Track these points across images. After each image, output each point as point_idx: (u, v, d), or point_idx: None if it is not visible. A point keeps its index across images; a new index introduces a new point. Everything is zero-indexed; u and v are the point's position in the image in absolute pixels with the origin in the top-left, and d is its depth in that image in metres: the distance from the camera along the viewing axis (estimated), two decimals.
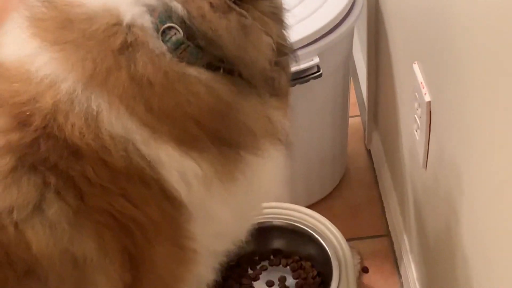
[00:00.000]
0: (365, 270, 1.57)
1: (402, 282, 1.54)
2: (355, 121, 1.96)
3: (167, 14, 0.91)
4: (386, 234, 1.66)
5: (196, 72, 0.92)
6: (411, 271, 1.46)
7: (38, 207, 0.87)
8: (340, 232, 1.45)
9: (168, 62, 0.90)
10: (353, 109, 1.98)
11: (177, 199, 0.93)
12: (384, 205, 1.70)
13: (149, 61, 0.89)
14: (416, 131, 1.22)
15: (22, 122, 0.87)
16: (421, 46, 1.19)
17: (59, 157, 0.87)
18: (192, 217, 0.95)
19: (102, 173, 0.88)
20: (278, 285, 1.43)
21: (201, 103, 0.92)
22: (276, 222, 1.47)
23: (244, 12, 0.93)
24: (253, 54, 0.95)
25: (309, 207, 1.56)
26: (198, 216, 0.96)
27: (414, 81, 1.19)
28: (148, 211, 0.91)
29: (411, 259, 1.47)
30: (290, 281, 1.44)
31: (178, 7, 0.91)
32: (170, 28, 0.90)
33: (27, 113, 0.87)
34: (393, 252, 1.62)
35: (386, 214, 1.68)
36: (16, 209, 0.86)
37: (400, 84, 1.40)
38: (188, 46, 0.91)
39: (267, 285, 1.44)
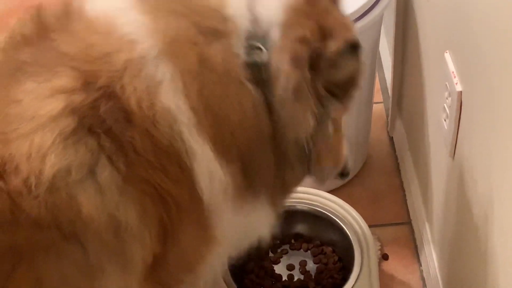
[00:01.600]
0: (385, 257, 1.58)
1: (422, 270, 1.54)
2: (377, 107, 1.95)
3: (264, 37, 0.95)
4: (407, 222, 1.66)
5: (253, 90, 0.95)
6: (432, 260, 1.46)
7: (92, 171, 0.88)
8: (362, 218, 1.45)
9: (237, 64, 0.93)
10: (376, 95, 1.96)
11: (200, 196, 0.96)
12: (406, 193, 1.70)
13: (223, 52, 0.92)
14: (445, 120, 1.22)
15: (88, 80, 0.88)
16: (453, 35, 1.18)
17: (115, 121, 0.88)
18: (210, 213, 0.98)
19: (147, 144, 0.89)
20: (299, 269, 1.44)
21: (243, 117, 0.95)
22: (299, 206, 1.46)
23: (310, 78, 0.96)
24: (297, 120, 0.98)
25: (329, 193, 1.55)
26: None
27: (445, 70, 1.18)
28: (181, 192, 0.93)
29: (432, 249, 1.47)
30: (311, 265, 1.44)
31: (275, 43, 0.95)
32: (259, 48, 0.94)
33: (95, 69, 0.88)
34: (414, 240, 1.62)
35: (408, 202, 1.68)
36: (73, 171, 0.86)
37: (429, 73, 1.39)
38: (260, 70, 0.94)
39: (288, 269, 1.44)
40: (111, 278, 0.94)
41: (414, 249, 1.60)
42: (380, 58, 1.99)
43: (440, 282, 1.41)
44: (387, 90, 1.89)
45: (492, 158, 1.02)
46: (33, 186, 0.85)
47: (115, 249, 0.93)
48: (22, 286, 0.88)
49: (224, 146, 0.95)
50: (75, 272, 0.91)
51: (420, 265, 1.56)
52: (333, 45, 0.95)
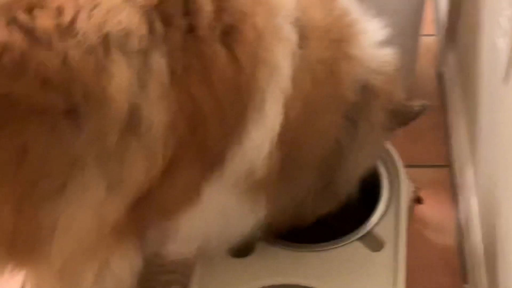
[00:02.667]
0: (419, 200, 1.43)
1: (460, 218, 1.39)
2: (428, 40, 1.81)
3: (367, 81, 1.05)
4: (447, 165, 1.52)
5: (343, 123, 1.04)
6: (472, 207, 1.31)
7: (147, 53, 0.81)
8: (397, 154, 1.30)
9: (348, 94, 1.01)
10: (429, 27, 1.82)
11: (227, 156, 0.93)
12: (450, 132, 1.56)
13: (348, 72, 1.00)
14: (500, 37, 1.05)
15: None
16: None
17: (209, 27, 0.86)
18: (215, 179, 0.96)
19: (227, 68, 0.87)
20: None
21: (319, 136, 1.01)
22: None
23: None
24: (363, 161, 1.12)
25: None
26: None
27: None
28: (216, 137, 0.89)
29: (474, 195, 1.32)
30: None
31: (377, 91, 1.06)
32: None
33: None
34: (454, 184, 1.47)
35: (452, 141, 1.54)
36: (133, 39, 0.80)
37: None
38: (355, 109, 1.03)
39: None
40: (89, 184, 0.85)
41: (453, 195, 1.46)
42: None
43: (479, 233, 1.26)
44: (441, 21, 1.74)
45: None
46: (66, 35, 0.77)
47: (112, 154, 0.84)
48: (5, 146, 0.80)
49: (290, 137, 0.94)
50: (59, 154, 0.82)
51: (458, 212, 1.42)
52: (417, 106, 1.12)
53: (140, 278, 1.33)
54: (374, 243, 1.13)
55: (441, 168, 1.52)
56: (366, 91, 1.03)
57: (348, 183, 1.11)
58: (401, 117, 1.10)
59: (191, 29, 0.84)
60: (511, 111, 1.05)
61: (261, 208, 1.02)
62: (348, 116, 1.03)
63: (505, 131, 1.10)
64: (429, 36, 1.81)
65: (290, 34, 0.92)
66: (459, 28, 1.57)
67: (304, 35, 0.94)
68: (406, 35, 1.53)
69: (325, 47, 0.96)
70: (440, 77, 1.71)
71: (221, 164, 0.92)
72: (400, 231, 1.14)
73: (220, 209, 1.00)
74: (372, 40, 1.05)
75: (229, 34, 0.86)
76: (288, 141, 0.95)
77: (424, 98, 1.66)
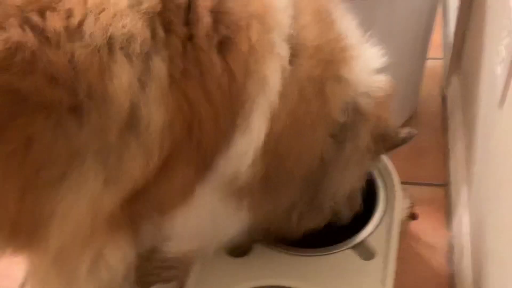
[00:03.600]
0: (414, 216, 1.46)
1: (452, 236, 1.43)
2: (436, 63, 1.85)
3: (356, 103, 1.05)
4: (445, 184, 1.55)
5: (328, 143, 1.06)
6: (464, 226, 1.34)
7: (149, 56, 0.85)
8: (395, 171, 1.33)
9: (334, 115, 1.03)
10: (437, 50, 1.86)
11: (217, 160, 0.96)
12: (450, 152, 1.58)
13: (338, 94, 1.02)
14: (498, 65, 1.09)
15: None
16: None
17: (206, 36, 0.89)
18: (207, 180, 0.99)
19: (222, 77, 0.89)
20: None
21: (306, 150, 1.03)
22: None
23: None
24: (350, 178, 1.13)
25: None
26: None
27: (505, 6, 1.05)
28: (210, 140, 0.92)
29: (466, 213, 1.35)
30: None
31: (365, 113, 1.06)
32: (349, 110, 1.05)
33: None
34: (449, 203, 1.50)
35: (451, 161, 1.57)
36: (135, 43, 0.83)
37: (491, 16, 1.26)
38: (342, 129, 1.05)
39: None
40: (88, 177, 0.88)
41: (448, 213, 1.49)
42: (447, 13, 1.86)
43: (469, 250, 1.29)
44: (449, 45, 1.76)
45: None
46: (74, 36, 0.81)
47: (111, 150, 0.87)
48: (12, 139, 0.83)
49: (273, 149, 0.97)
50: (62, 146, 0.85)
51: (451, 230, 1.45)
52: (404, 134, 1.14)
53: (142, 272, 1.38)
54: (366, 253, 1.17)
55: (439, 187, 1.55)
56: (355, 113, 1.05)
57: (332, 201, 1.14)
58: (388, 142, 1.13)
59: (190, 37, 0.87)
60: (504, 133, 1.09)
61: (244, 213, 1.05)
62: (335, 135, 1.05)
63: (497, 153, 1.13)
64: (437, 60, 1.85)
65: (282, 50, 0.94)
66: (464, 53, 1.59)
67: (295, 52, 0.95)
68: (413, 57, 1.56)
69: (314, 66, 0.97)
70: (444, 99, 1.74)
71: (213, 166, 0.95)
72: (391, 243, 1.18)
73: (210, 209, 1.03)
74: (367, 66, 1.06)
75: (224, 45, 0.88)
76: (272, 152, 0.97)
77: (428, 119, 1.72)
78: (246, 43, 0.90)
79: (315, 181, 1.08)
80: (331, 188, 1.11)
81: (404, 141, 1.15)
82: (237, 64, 0.89)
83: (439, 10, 1.81)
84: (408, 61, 1.56)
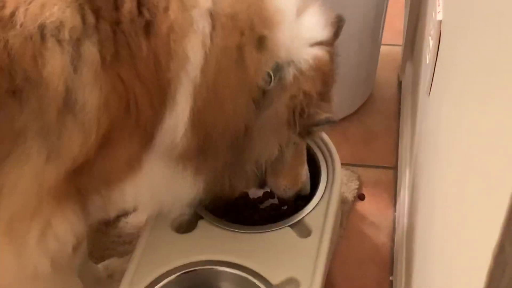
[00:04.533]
0: (361, 197, 1.52)
1: (394, 216, 1.49)
2: (396, 50, 1.89)
3: (280, 71, 1.06)
4: (393, 167, 1.61)
5: (251, 109, 1.08)
6: (404, 206, 1.40)
7: (79, 41, 0.90)
8: (337, 154, 1.37)
9: (256, 81, 1.04)
10: (397, 37, 1.90)
11: (154, 133, 1.02)
12: (400, 137, 1.64)
13: (257, 62, 1.03)
14: (428, 54, 1.14)
15: None
16: None
17: (130, 21, 0.93)
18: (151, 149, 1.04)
19: (148, 59, 0.95)
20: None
21: (229, 117, 1.05)
22: None
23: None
24: (265, 147, 1.14)
25: None
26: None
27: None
28: (146, 115, 0.97)
29: (406, 194, 1.41)
30: None
31: (287, 82, 1.07)
32: (272, 77, 1.05)
33: None
34: (395, 186, 1.56)
35: (399, 146, 1.62)
36: (64, 30, 0.89)
37: (430, 5, 1.31)
38: (263, 95, 1.07)
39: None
40: (30, 153, 0.94)
41: (393, 195, 1.55)
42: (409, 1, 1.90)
43: (405, 228, 1.35)
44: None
45: (464, 102, 0.94)
46: (7, 26, 0.86)
47: (51, 129, 0.93)
48: None
49: (199, 120, 1.01)
50: (5, 127, 0.91)
51: (395, 210, 1.50)
52: (323, 116, 1.13)
53: (98, 247, 1.44)
54: (303, 231, 1.23)
55: (388, 169, 1.60)
56: (277, 80, 1.05)
57: (256, 163, 1.15)
58: (304, 119, 1.11)
59: (118, 22, 0.92)
60: (431, 120, 1.15)
61: (191, 178, 1.09)
62: (256, 101, 1.05)
63: (426, 138, 1.19)
64: (398, 46, 1.89)
65: (202, 26, 0.96)
66: (416, 40, 1.63)
67: (214, 25, 0.98)
68: (365, 43, 1.59)
69: (229, 36, 0.99)
70: (400, 85, 1.79)
71: (153, 138, 1.01)
72: (327, 223, 1.24)
73: (160, 175, 1.08)
74: (299, 35, 1.06)
75: (148, 27, 0.93)
76: (199, 123, 1.02)
77: (383, 104, 1.77)
78: (165, 24, 0.94)
79: (241, 145, 1.10)
80: (255, 152, 1.13)
81: (319, 122, 1.14)
82: (159, 45, 0.94)
83: None
84: (360, 47, 1.59)
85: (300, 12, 1.07)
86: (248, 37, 1.01)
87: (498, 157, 0.59)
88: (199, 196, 1.15)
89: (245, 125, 1.07)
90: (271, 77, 1.04)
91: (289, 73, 1.06)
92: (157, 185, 1.11)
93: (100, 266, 1.36)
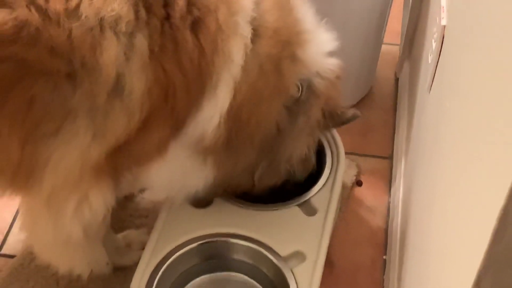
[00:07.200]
0: (359, 183, 1.64)
1: (390, 202, 1.61)
2: (394, 49, 2.01)
3: (310, 80, 1.20)
4: (389, 157, 1.72)
5: (284, 115, 1.21)
6: (399, 193, 1.52)
7: (133, 34, 0.99)
8: (341, 141, 1.49)
9: (289, 91, 1.18)
10: (397, 37, 2.01)
11: (188, 122, 1.11)
12: (396, 130, 1.75)
13: (291, 73, 1.16)
14: (430, 55, 1.26)
15: None
16: None
17: (180, 18, 1.02)
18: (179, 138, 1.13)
19: (193, 51, 1.03)
20: None
21: (264, 118, 1.17)
22: None
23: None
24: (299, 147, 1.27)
25: None
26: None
27: (437, 4, 1.22)
28: (184, 105, 1.06)
29: (402, 182, 1.53)
30: None
31: (318, 91, 1.22)
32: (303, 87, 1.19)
33: None
34: (391, 174, 1.67)
35: (395, 138, 1.73)
36: (122, 23, 0.97)
37: (432, 10, 1.43)
38: (296, 103, 1.20)
39: None
40: (78, 132, 1.03)
41: (388, 183, 1.66)
42: (408, 3, 2.00)
43: (399, 214, 1.47)
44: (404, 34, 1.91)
45: (464, 100, 1.06)
46: (72, 17, 0.95)
47: (99, 111, 1.02)
48: (18, 99, 0.98)
49: (235, 115, 1.11)
50: (57, 105, 1.00)
51: (389, 196, 1.62)
52: (350, 113, 1.30)
53: (117, 219, 1.54)
54: (309, 210, 1.35)
55: (384, 159, 1.72)
56: (308, 90, 1.19)
57: (287, 164, 1.28)
58: (335, 119, 1.28)
59: (167, 18, 1.00)
60: (432, 114, 1.26)
61: (209, 169, 1.19)
62: (289, 108, 1.18)
63: (424, 131, 1.31)
64: (395, 46, 2.01)
65: (245, 31, 1.06)
66: (414, 41, 1.74)
67: (257, 33, 1.08)
68: (368, 43, 1.70)
69: (273, 46, 1.10)
70: (397, 82, 1.90)
71: (184, 127, 1.09)
72: (331, 203, 1.35)
73: (180, 164, 1.17)
74: (320, 49, 1.20)
75: (196, 25, 1.02)
76: (234, 118, 1.11)
77: (381, 99, 1.89)
78: (215, 23, 1.04)
79: (271, 145, 1.22)
80: (286, 153, 1.26)
81: (349, 120, 1.30)
82: (207, 42, 1.03)
83: (401, 0, 1.96)
84: (363, 46, 1.70)
85: (315, 27, 1.21)
86: (286, 50, 1.13)
87: (498, 149, 0.67)
88: (203, 189, 1.25)
89: (277, 127, 1.19)
90: (299, 87, 1.18)
91: (318, 83, 1.20)
92: (174, 173, 1.20)
93: (120, 236, 1.47)
